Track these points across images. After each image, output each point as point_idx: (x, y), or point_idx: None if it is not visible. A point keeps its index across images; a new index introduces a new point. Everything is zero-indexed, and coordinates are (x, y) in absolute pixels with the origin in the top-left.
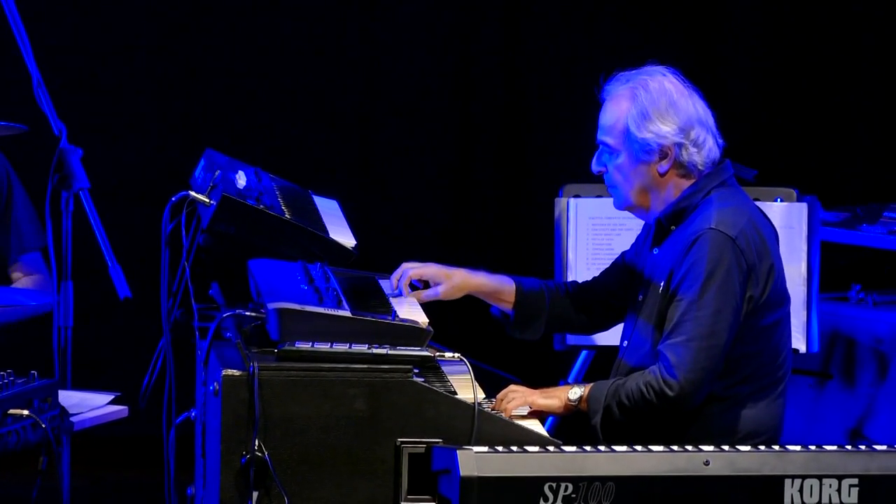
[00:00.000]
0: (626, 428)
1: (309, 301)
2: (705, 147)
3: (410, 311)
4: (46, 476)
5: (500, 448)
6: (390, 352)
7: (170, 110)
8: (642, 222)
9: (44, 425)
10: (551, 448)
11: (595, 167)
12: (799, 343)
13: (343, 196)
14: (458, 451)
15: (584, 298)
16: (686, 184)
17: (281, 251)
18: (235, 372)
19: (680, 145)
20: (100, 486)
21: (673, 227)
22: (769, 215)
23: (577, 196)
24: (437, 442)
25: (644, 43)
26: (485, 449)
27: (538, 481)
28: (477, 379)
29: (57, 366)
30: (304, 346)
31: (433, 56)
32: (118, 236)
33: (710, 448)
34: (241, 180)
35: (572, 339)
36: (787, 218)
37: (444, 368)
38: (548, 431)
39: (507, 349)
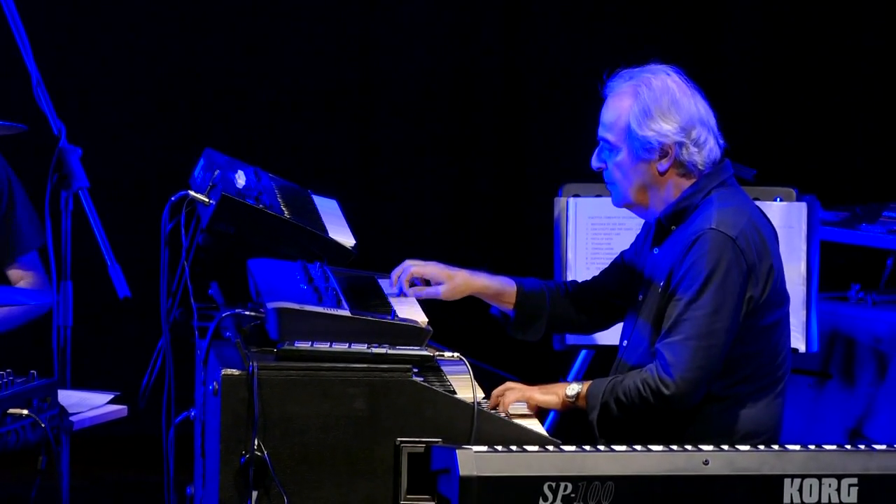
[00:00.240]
0: (622, 425)
1: (308, 301)
2: (706, 147)
3: (410, 310)
4: (46, 475)
5: (499, 448)
6: (390, 351)
7: (169, 110)
8: (642, 222)
9: (43, 425)
10: (551, 448)
11: (595, 163)
12: (798, 343)
13: (343, 196)
14: (457, 451)
15: (583, 298)
16: (685, 183)
17: (280, 251)
18: (235, 371)
19: (681, 144)
20: (99, 485)
21: (673, 227)
22: (769, 215)
23: (576, 195)
24: (437, 441)
25: (644, 43)
26: (484, 448)
27: (538, 481)
28: (476, 378)
29: (56, 365)
30: (304, 345)
31: (433, 56)
32: (118, 236)
33: (710, 448)
34: (241, 180)
35: (572, 339)
36: (787, 217)
37: (444, 368)
38: (547, 431)
39: (506, 349)
